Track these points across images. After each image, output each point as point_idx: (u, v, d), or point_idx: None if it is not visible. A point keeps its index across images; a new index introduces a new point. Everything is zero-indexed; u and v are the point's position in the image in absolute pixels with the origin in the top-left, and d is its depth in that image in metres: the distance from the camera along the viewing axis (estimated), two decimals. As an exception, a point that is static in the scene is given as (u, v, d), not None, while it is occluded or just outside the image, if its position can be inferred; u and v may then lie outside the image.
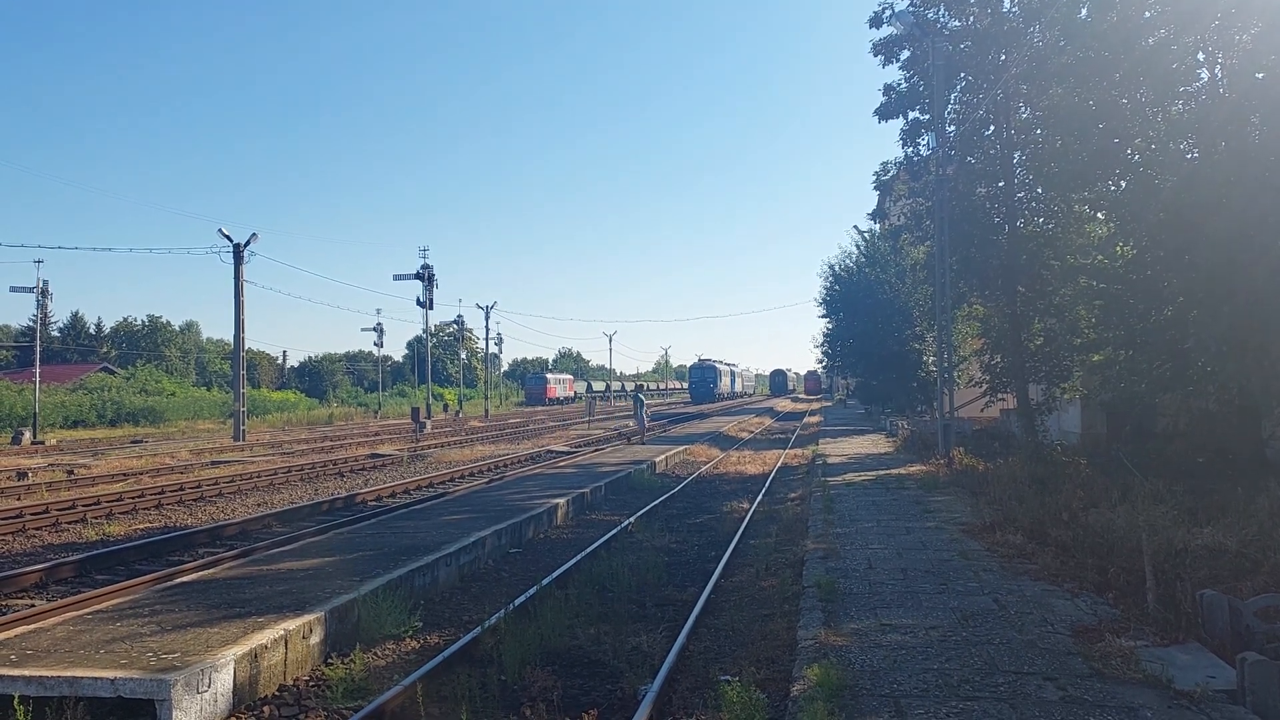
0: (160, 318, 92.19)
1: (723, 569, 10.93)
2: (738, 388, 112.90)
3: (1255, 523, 10.21)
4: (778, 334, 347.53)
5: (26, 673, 6.08)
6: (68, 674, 6.04)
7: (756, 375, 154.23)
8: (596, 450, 29.71)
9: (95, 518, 16.21)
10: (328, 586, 8.74)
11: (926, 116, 23.78)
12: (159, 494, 18.62)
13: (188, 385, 74.96)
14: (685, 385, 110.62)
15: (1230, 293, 12.78)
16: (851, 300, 36.76)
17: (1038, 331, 21.91)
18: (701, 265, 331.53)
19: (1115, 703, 5.61)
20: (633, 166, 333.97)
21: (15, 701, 5.79)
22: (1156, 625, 7.11)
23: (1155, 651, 6.51)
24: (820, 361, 56.89)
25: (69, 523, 15.77)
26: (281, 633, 7.11)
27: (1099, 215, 18.80)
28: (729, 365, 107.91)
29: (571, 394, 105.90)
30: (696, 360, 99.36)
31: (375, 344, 78.36)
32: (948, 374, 22.57)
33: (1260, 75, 13.54)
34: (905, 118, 24.60)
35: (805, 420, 51.95)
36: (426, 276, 55.84)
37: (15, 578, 10.81)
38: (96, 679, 5.97)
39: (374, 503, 18.37)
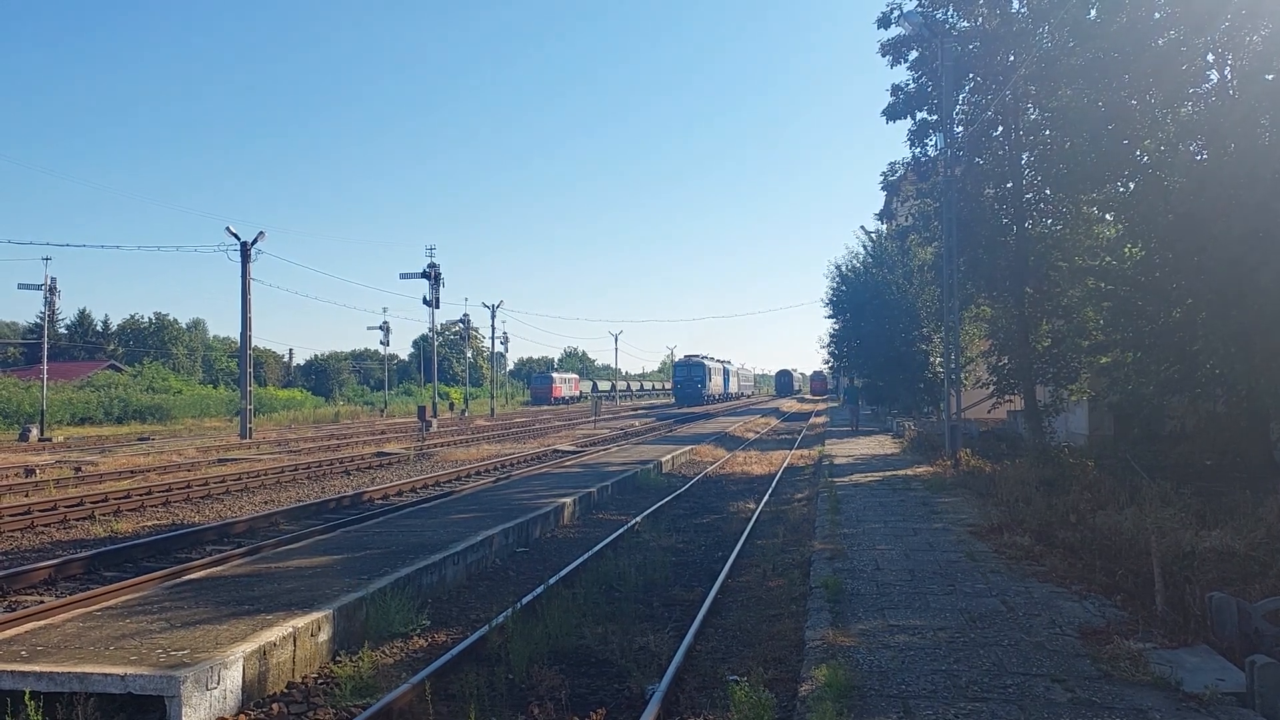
0: (167, 315, 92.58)
1: (730, 569, 10.92)
2: (732, 388, 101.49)
3: (1264, 525, 10.18)
4: (784, 335, 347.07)
5: (37, 668, 6.11)
6: (77, 670, 6.06)
7: (757, 375, 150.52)
8: (603, 450, 29.71)
9: (103, 515, 16.26)
10: (335, 584, 8.76)
11: (934, 117, 23.77)
12: (166, 491, 18.67)
13: (194, 383, 75.11)
14: None
15: (1240, 295, 12.74)
16: (858, 301, 36.72)
17: (1045, 333, 21.89)
18: (707, 265, 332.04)
19: (1124, 705, 5.60)
20: (639, 166, 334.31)
21: (26, 697, 5.82)
22: (1165, 627, 7.10)
23: (1164, 654, 6.49)
24: (827, 362, 56.80)
25: (77, 520, 15.82)
26: (290, 630, 7.13)
27: (1108, 217, 18.78)
28: (722, 363, 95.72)
29: (577, 393, 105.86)
30: (683, 357, 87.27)
31: (381, 343, 78.51)
32: (955, 375, 22.52)
33: (1270, 77, 13.50)
34: (913, 118, 24.62)
35: (811, 421, 51.90)
36: (433, 275, 55.88)
37: (24, 574, 10.85)
38: (106, 675, 5.99)
39: (381, 501, 18.39)
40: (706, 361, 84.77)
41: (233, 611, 7.70)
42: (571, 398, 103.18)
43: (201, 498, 18.90)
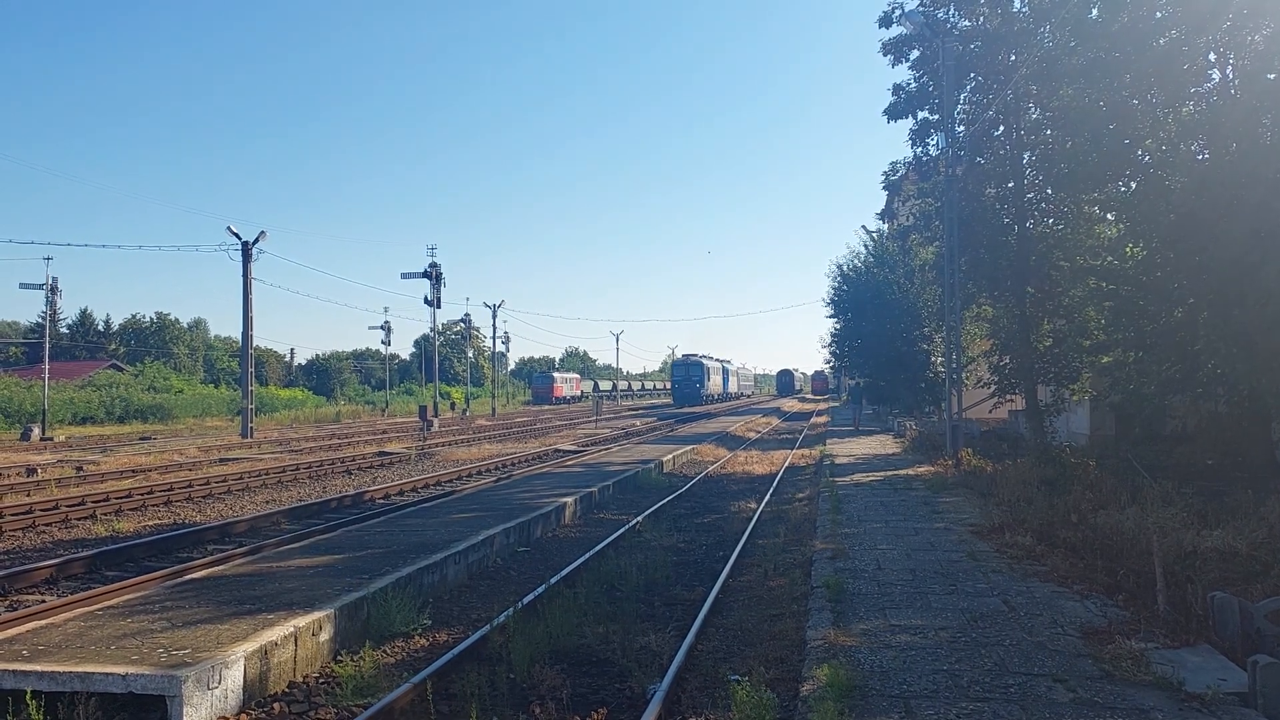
0: (168, 315, 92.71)
1: (731, 569, 10.91)
2: (732, 388, 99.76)
3: (1266, 525, 10.17)
4: (784, 335, 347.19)
5: (38, 668, 6.11)
6: (79, 669, 6.06)
7: (757, 375, 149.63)
8: (604, 449, 29.71)
9: (104, 514, 16.27)
10: (337, 584, 8.76)
11: (936, 117, 23.77)
12: (168, 491, 18.68)
13: (196, 382, 75.13)
14: None
15: (1241, 294, 12.72)
16: (859, 301, 36.69)
17: (1047, 332, 21.87)
18: (707, 265, 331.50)
19: (1125, 704, 5.60)
20: (639, 166, 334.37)
21: (27, 696, 5.82)
22: (1167, 627, 7.09)
23: (1165, 654, 6.49)
24: (828, 362, 56.74)
25: (78, 519, 15.82)
26: (291, 630, 7.13)
27: (1109, 216, 18.76)
28: (721, 362, 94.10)
29: (578, 393, 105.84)
30: (681, 357, 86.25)
31: (383, 342, 78.65)
32: (956, 375, 22.51)
33: (1272, 76, 13.49)
34: (914, 118, 24.62)
35: (812, 420, 51.88)
36: (434, 275, 55.89)
37: (26, 573, 10.85)
38: (108, 674, 5.99)
39: (382, 500, 18.40)
40: (705, 361, 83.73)
41: (234, 611, 7.71)
42: (573, 397, 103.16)
43: (203, 497, 18.91)
